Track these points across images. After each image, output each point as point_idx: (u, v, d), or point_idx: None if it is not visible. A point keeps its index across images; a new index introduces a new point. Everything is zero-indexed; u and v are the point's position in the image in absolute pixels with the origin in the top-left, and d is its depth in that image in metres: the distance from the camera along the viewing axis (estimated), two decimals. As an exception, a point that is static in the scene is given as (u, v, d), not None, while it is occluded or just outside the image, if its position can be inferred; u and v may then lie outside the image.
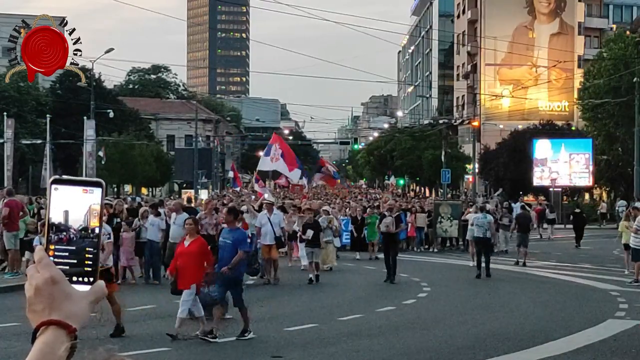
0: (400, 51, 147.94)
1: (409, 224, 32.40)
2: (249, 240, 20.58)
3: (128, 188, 73.63)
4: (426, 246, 33.56)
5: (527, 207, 35.25)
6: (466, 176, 70.04)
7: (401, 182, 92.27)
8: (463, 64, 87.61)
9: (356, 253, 29.65)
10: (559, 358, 11.99)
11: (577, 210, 38.45)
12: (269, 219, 21.52)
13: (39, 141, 52.23)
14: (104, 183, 1.58)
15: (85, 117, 49.62)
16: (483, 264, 23.53)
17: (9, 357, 11.37)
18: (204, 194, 56.50)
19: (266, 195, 28.22)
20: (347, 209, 33.64)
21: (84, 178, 1.59)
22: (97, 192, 1.56)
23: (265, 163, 32.59)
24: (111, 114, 57.15)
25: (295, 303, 17.95)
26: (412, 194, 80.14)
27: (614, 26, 77.16)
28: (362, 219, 30.69)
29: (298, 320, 15.02)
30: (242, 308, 13.28)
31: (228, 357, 12.05)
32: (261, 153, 37.19)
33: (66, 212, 1.54)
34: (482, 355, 12.03)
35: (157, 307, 16.79)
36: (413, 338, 13.51)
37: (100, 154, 51.81)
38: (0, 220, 20.66)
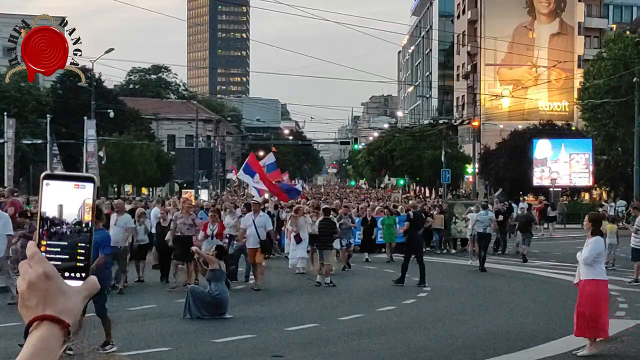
0: (400, 51, 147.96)
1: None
2: (226, 240, 19.55)
3: (128, 188, 73.64)
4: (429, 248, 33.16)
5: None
6: (466, 176, 70.05)
7: (401, 182, 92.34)
8: (463, 64, 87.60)
9: (366, 255, 28.46)
10: (559, 358, 12.00)
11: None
12: (253, 220, 20.24)
13: (40, 141, 52.22)
14: (96, 178, 1.58)
15: (85, 117, 49.64)
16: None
17: (9, 357, 11.38)
18: (204, 194, 56.54)
19: (256, 196, 27.67)
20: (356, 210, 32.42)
21: (75, 173, 1.59)
22: (89, 187, 1.56)
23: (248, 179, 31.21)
24: (112, 114, 57.12)
25: (295, 303, 17.96)
26: (412, 193, 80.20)
27: (614, 26, 77.18)
28: (372, 220, 29.75)
29: (299, 320, 15.02)
30: (104, 318, 12.06)
31: (228, 357, 12.05)
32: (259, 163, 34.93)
33: (60, 207, 1.55)
34: (482, 355, 12.03)
35: (157, 307, 16.80)
36: (413, 338, 13.52)
37: (101, 153, 51.82)
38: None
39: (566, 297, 19.01)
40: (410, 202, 29.94)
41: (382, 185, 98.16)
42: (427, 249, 32.43)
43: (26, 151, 55.45)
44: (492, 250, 29.90)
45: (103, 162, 52.45)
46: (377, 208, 32.15)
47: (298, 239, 23.17)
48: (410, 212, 22.60)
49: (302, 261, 23.33)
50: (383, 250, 29.85)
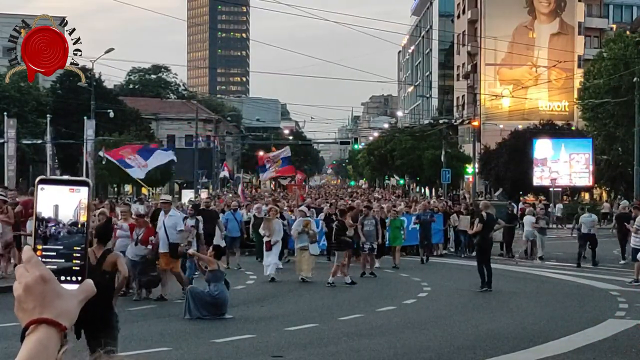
0: (400, 51, 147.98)
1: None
2: (150, 246, 17.64)
3: (128, 188, 73.60)
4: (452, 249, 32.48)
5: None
6: (466, 176, 70.05)
7: (401, 182, 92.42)
8: (463, 64, 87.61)
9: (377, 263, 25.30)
10: (559, 358, 11.99)
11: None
12: (163, 222, 18.38)
13: (40, 141, 52.20)
14: (90, 182, 1.58)
15: (85, 117, 49.59)
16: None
17: (9, 357, 11.38)
18: (204, 194, 56.46)
19: (163, 195, 25.06)
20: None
21: (70, 177, 1.59)
22: (84, 190, 1.56)
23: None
24: (111, 114, 57.11)
25: (295, 303, 17.95)
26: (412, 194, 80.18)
27: (614, 26, 77.21)
28: (382, 221, 26.52)
29: (299, 320, 15.02)
30: None
31: (228, 357, 12.04)
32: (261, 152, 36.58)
33: (55, 211, 1.54)
34: (482, 355, 12.03)
35: (157, 307, 16.80)
36: (413, 338, 13.51)
37: (101, 154, 51.76)
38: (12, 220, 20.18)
39: (566, 297, 19.03)
40: (482, 202, 28.15)
41: (388, 181, 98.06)
42: (445, 251, 32.20)
43: (26, 151, 55.42)
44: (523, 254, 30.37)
45: (104, 162, 52.40)
46: (399, 208, 31.12)
47: (268, 246, 21.96)
48: (484, 214, 21.06)
49: (271, 267, 21.85)
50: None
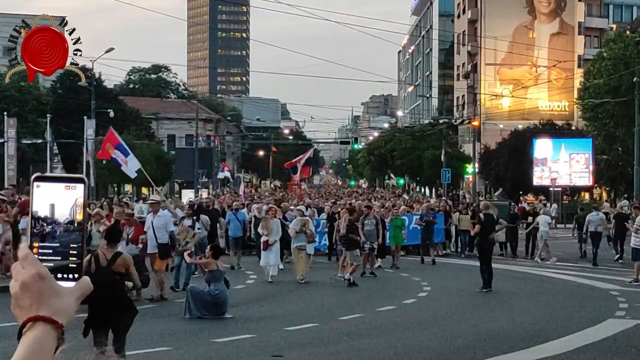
0: (400, 51, 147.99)
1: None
2: (140, 245, 17.62)
3: (128, 188, 73.61)
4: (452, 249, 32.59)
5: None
6: (466, 176, 70.07)
7: (401, 181, 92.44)
8: (463, 64, 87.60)
9: (379, 262, 25.16)
10: (559, 358, 11.99)
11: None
12: (152, 222, 18.41)
13: (40, 141, 52.21)
14: (86, 179, 1.58)
15: (85, 117, 49.59)
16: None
17: (9, 356, 11.36)
18: (204, 194, 56.47)
19: (152, 195, 25.36)
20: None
21: (66, 175, 1.59)
22: (80, 187, 1.56)
23: None
24: (112, 114, 57.09)
25: (295, 302, 17.95)
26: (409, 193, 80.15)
27: (614, 26, 77.22)
28: (382, 221, 25.62)
29: (298, 320, 15.02)
30: None
31: (228, 357, 12.05)
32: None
33: (51, 208, 1.54)
34: (482, 355, 12.03)
35: (157, 307, 16.80)
36: (413, 337, 13.51)
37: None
38: (11, 220, 20.13)
39: (566, 297, 19.03)
40: (482, 203, 27.79)
41: (388, 181, 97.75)
42: (446, 251, 32.19)
43: (26, 151, 55.43)
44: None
45: (104, 162, 52.40)
46: (402, 208, 31.08)
47: (265, 245, 21.59)
48: (481, 215, 20.81)
49: (273, 268, 21.62)
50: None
